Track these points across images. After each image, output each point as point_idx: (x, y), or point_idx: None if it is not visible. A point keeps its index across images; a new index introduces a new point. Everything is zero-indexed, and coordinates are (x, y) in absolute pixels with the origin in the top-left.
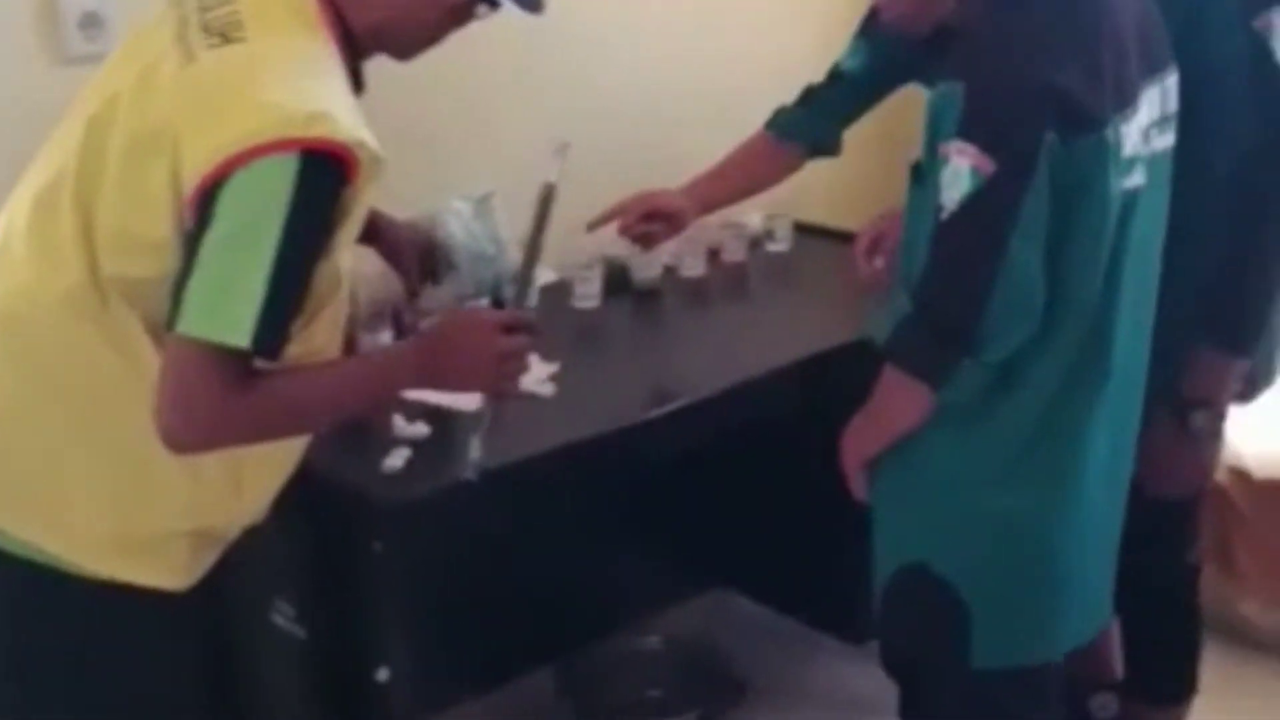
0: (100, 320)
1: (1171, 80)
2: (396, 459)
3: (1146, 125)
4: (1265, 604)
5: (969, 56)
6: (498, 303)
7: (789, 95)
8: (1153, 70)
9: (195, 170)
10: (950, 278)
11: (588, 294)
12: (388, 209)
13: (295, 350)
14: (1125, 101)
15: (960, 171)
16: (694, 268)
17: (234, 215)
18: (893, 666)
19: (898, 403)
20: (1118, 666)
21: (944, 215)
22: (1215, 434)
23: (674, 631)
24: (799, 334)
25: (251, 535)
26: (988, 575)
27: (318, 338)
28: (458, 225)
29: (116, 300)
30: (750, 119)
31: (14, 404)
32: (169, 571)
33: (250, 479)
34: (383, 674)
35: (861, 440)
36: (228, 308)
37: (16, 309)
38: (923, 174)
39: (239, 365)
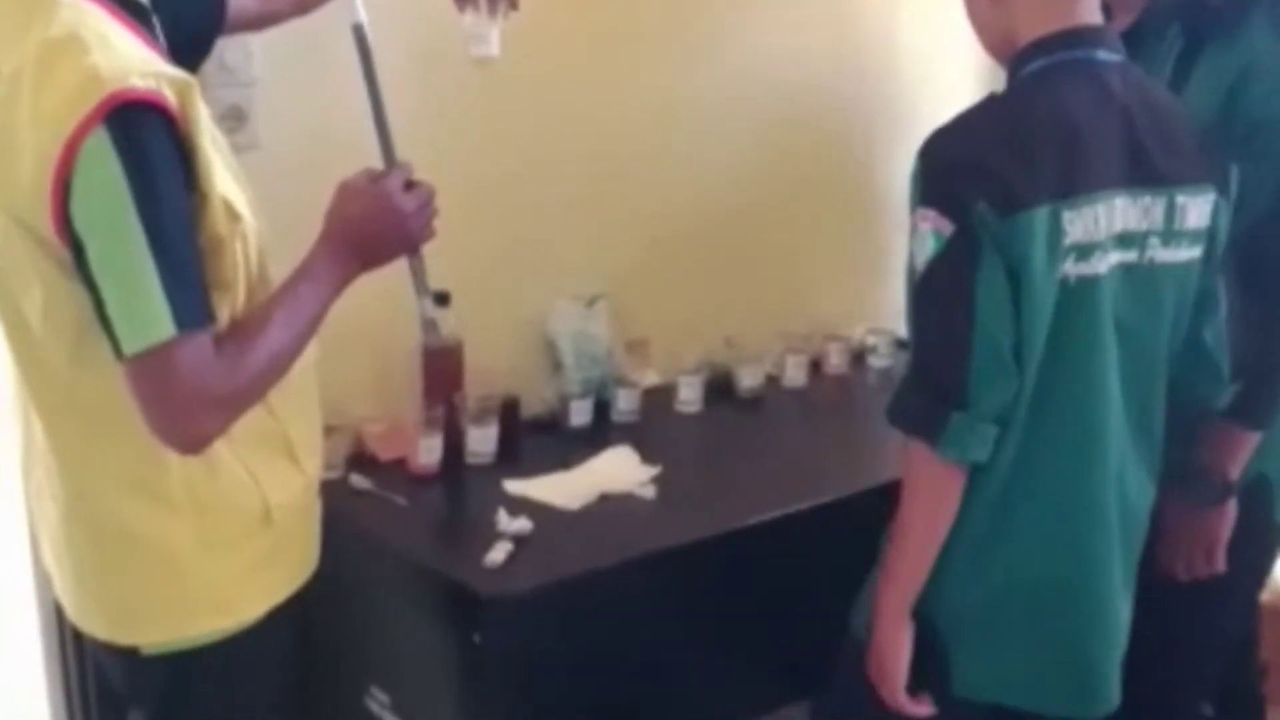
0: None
1: (1183, 198)
2: (498, 553)
3: (1123, 229)
4: None
5: (931, 138)
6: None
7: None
8: (1142, 181)
9: (34, 215)
10: (930, 336)
11: (690, 399)
12: (500, 308)
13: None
14: (1072, 192)
15: (924, 236)
16: (796, 378)
17: (92, 225)
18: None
19: (919, 478)
20: None
21: (917, 279)
22: (1219, 509)
23: None
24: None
25: (349, 621)
26: (972, 618)
27: (241, 267)
28: (566, 324)
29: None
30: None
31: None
32: (288, 577)
33: (300, 446)
34: None
35: (896, 575)
36: (141, 312)
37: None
38: None
39: (188, 349)
